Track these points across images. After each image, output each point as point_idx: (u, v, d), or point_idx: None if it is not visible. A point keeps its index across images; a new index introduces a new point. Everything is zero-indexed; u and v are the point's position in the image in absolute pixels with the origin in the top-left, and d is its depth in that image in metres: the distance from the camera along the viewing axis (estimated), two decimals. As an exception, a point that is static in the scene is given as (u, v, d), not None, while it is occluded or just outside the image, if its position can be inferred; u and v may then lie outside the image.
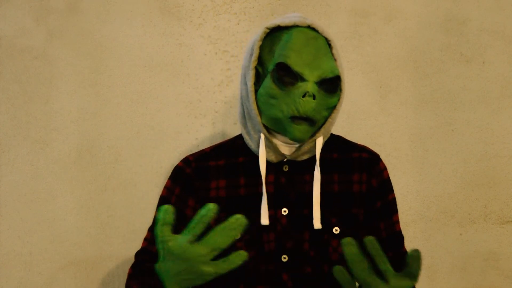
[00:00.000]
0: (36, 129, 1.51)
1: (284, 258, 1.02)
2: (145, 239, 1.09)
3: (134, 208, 1.51)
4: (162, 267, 0.85)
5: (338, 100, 1.03)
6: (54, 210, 1.50)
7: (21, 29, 1.52)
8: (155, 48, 1.53)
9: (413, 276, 0.84)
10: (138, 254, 1.09)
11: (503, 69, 1.53)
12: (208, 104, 1.53)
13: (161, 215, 0.79)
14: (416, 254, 0.82)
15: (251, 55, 1.03)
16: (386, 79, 1.53)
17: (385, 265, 0.83)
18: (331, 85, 1.00)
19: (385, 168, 1.10)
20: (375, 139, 1.52)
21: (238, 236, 0.78)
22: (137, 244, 1.48)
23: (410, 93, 1.53)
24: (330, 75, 0.99)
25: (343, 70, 1.04)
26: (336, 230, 1.03)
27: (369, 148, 1.13)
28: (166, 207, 0.79)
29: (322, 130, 1.03)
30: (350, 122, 1.52)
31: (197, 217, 0.78)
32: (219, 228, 0.78)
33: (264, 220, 1.01)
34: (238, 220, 0.76)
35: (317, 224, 1.01)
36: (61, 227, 1.50)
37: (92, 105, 1.52)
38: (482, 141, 1.52)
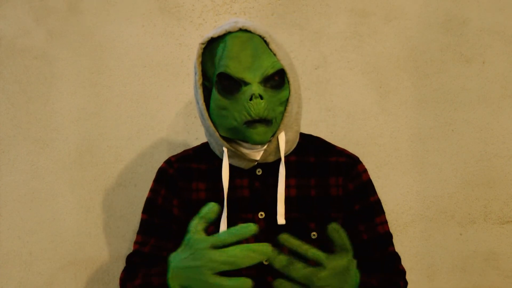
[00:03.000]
0: (36, 129, 1.51)
1: (266, 261, 1.02)
2: (136, 242, 1.09)
3: (134, 208, 1.51)
4: (175, 256, 0.86)
5: (290, 92, 1.02)
6: (54, 210, 1.50)
7: (21, 29, 1.52)
8: (155, 48, 1.53)
9: (345, 248, 0.83)
10: (129, 257, 1.08)
11: (503, 69, 1.53)
12: (208, 104, 1.53)
13: (204, 209, 0.79)
14: (334, 226, 0.81)
15: (196, 73, 1.04)
16: (386, 79, 1.53)
17: (310, 251, 0.82)
18: (276, 80, 1.00)
19: (364, 171, 1.10)
20: (375, 139, 1.52)
21: (258, 261, 0.77)
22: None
23: (410, 93, 1.53)
24: (271, 71, 0.98)
25: (290, 61, 1.04)
26: (314, 235, 1.03)
27: (347, 151, 1.12)
28: (213, 205, 0.79)
29: (282, 126, 1.02)
30: (350, 122, 1.52)
31: (231, 231, 0.77)
32: (244, 247, 0.77)
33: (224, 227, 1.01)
34: (265, 248, 0.76)
35: (280, 219, 1.00)
36: (61, 227, 1.50)
37: (92, 105, 1.52)
38: (482, 141, 1.52)
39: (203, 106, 1.02)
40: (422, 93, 1.53)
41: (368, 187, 1.09)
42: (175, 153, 1.52)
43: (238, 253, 0.76)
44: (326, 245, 1.03)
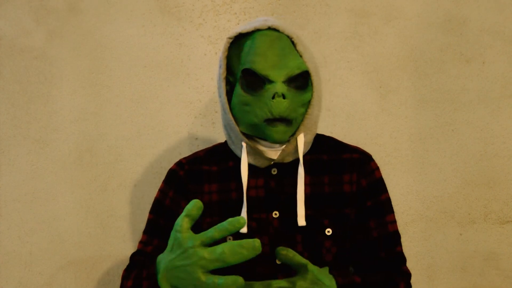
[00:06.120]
0: (36, 129, 1.51)
1: (278, 261, 1.02)
2: (140, 242, 1.10)
3: (134, 208, 1.51)
4: (164, 256, 0.84)
5: (312, 95, 1.03)
6: (54, 210, 1.50)
7: (21, 29, 1.52)
8: (155, 48, 1.53)
9: (301, 264, 0.90)
10: (132, 256, 1.09)
11: (503, 69, 1.53)
12: (208, 104, 1.53)
13: (189, 206, 0.78)
14: (280, 251, 0.90)
15: (221, 67, 1.04)
16: (386, 79, 1.53)
17: (274, 285, 0.89)
18: (301, 81, 1.00)
19: (377, 168, 1.10)
20: (375, 139, 1.52)
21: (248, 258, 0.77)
22: (137, 244, 1.48)
23: (410, 93, 1.53)
24: (296, 72, 0.99)
25: (315, 64, 1.04)
26: (328, 231, 1.03)
27: (360, 149, 1.13)
28: (197, 201, 0.78)
29: (302, 127, 1.03)
30: (350, 122, 1.52)
31: (219, 226, 0.77)
32: (234, 244, 0.75)
33: (243, 228, 1.01)
34: (254, 244, 0.74)
35: (301, 221, 1.00)
36: (61, 227, 1.50)
37: (92, 105, 1.52)
38: (482, 141, 1.52)
39: (225, 100, 1.03)
40: (422, 93, 1.53)
41: (380, 185, 1.10)
42: (174, 153, 1.52)
43: (227, 250, 0.75)
44: (341, 241, 1.04)
